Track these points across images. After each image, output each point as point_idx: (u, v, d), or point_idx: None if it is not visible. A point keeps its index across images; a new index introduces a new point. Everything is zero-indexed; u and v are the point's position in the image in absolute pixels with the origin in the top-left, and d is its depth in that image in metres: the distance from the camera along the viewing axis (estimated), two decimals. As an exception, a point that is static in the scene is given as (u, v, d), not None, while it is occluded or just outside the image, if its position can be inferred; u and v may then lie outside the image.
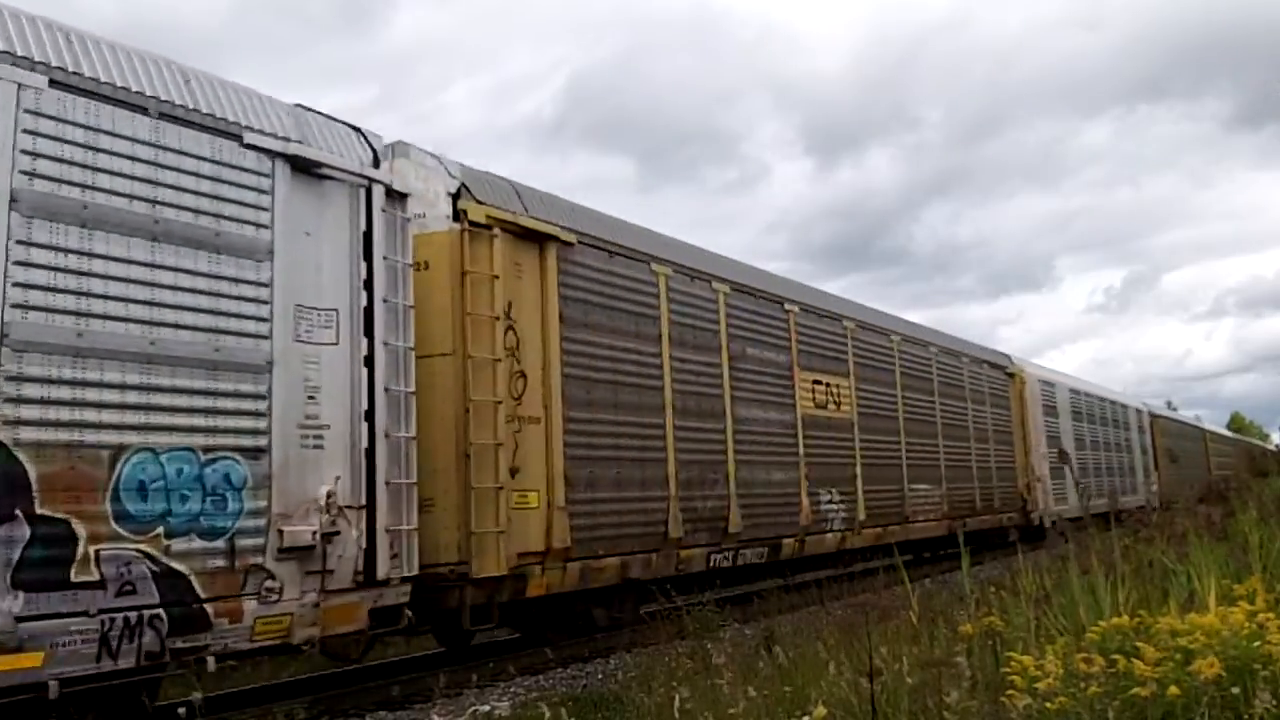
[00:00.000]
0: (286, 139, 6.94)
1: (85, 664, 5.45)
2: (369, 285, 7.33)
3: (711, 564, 10.93)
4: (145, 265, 6.01)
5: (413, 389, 7.63)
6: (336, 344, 7.09)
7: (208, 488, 6.15)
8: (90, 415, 5.65)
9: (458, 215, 8.47)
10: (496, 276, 8.46)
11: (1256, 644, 3.51)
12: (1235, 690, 3.29)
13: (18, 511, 5.25)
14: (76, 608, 5.43)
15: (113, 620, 5.56)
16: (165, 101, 6.28)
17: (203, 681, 7.50)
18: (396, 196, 7.72)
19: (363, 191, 7.44)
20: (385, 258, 7.49)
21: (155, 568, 5.82)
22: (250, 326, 6.53)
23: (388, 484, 7.28)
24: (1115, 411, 28.92)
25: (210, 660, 6.05)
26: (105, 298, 5.80)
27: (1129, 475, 28.88)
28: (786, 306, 13.10)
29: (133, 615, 5.66)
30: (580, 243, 9.64)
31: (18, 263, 5.44)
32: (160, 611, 5.80)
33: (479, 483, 8.11)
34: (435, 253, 8.36)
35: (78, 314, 5.66)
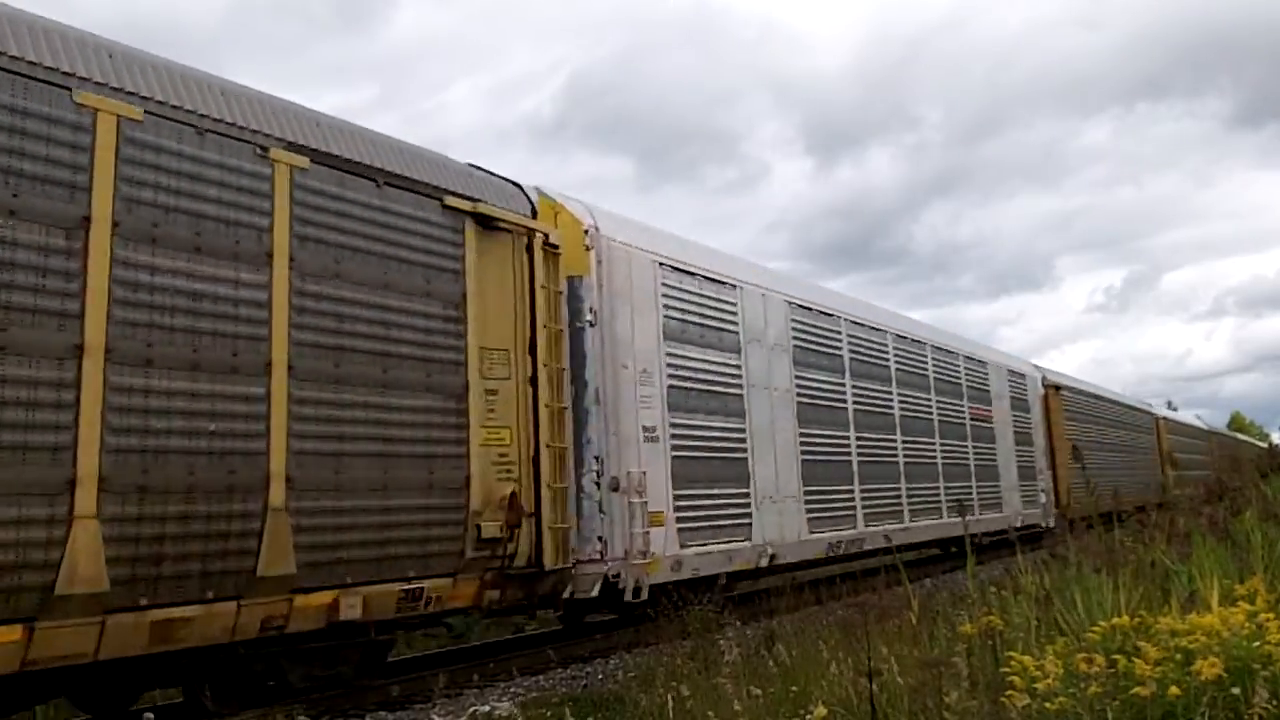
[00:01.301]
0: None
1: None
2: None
3: None
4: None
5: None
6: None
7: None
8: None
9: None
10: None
11: (1256, 644, 3.52)
12: (1235, 690, 3.29)
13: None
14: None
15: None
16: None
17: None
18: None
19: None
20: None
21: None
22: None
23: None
24: (953, 367, 17.24)
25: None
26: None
27: (990, 479, 18.32)
28: None
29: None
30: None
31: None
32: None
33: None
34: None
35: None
